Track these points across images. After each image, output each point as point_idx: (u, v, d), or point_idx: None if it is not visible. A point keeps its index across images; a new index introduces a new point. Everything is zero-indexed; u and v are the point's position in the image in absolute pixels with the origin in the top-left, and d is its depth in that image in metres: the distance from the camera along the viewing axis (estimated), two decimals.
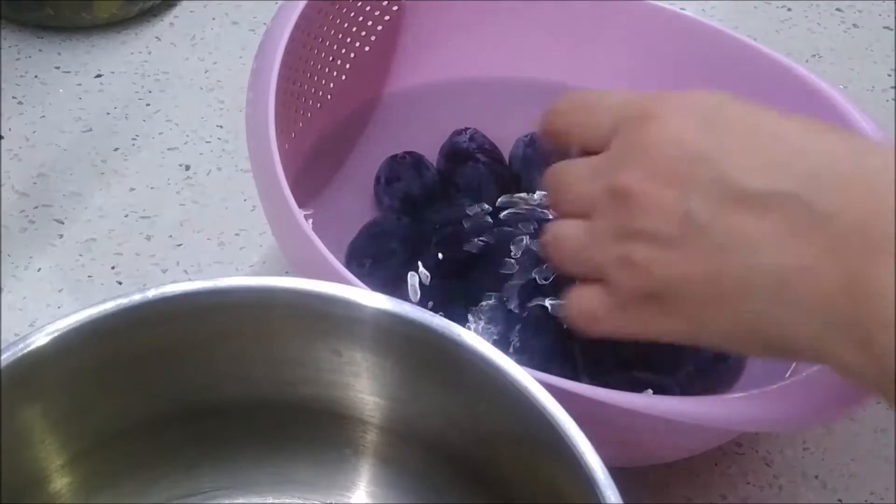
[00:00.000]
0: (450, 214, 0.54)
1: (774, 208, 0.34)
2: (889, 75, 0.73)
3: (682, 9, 0.59)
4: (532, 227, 0.54)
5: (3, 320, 0.52)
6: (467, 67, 0.60)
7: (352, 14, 0.55)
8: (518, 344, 0.50)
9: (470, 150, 0.56)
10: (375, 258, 0.52)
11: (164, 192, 0.59)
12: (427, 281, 0.50)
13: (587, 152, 0.40)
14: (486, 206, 0.54)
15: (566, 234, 0.40)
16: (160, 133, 0.61)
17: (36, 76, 0.64)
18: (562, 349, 0.51)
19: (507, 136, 0.58)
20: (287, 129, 0.50)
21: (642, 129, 0.37)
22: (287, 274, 0.53)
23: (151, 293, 0.38)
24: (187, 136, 0.61)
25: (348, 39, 0.56)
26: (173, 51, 0.66)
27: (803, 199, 0.33)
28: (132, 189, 0.59)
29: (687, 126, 0.36)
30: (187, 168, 0.60)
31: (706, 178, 0.35)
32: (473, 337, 0.37)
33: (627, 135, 0.38)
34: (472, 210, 0.54)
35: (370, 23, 0.57)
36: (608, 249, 0.38)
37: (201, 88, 0.64)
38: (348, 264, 0.52)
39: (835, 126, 0.36)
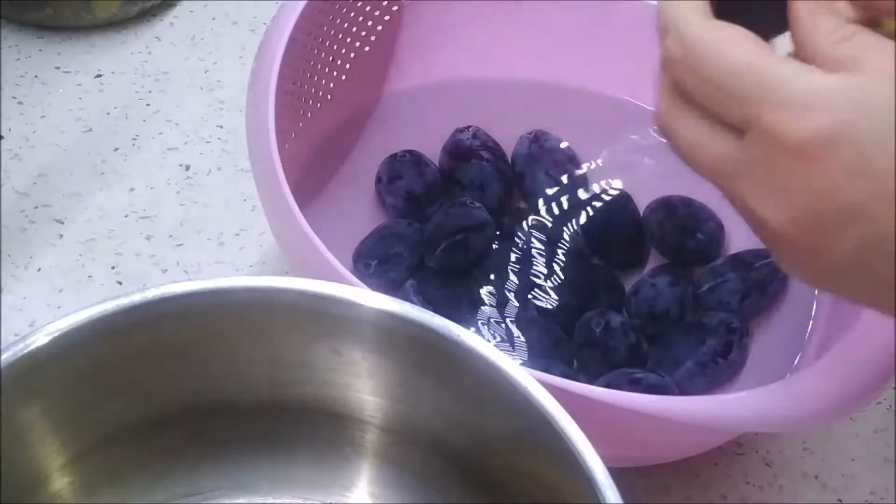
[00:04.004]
0: (454, 219, 0.53)
1: None
2: None
3: None
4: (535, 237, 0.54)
5: (3, 320, 0.52)
6: (467, 67, 0.60)
7: (352, 14, 0.55)
8: (518, 344, 0.50)
9: (473, 147, 0.56)
10: (381, 260, 0.52)
11: (164, 192, 0.59)
12: (420, 301, 0.50)
13: None
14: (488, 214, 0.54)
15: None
16: (160, 133, 0.61)
17: (36, 76, 0.64)
18: (561, 349, 0.51)
19: (506, 136, 0.58)
20: (287, 129, 0.50)
21: (786, 167, 0.31)
22: (287, 274, 0.53)
23: (151, 293, 0.38)
24: (187, 136, 0.61)
25: (348, 39, 0.56)
26: (173, 51, 0.66)
27: None
28: (132, 189, 0.59)
29: (838, 170, 0.30)
30: (187, 168, 0.60)
31: (862, 237, 0.31)
32: (473, 337, 0.37)
33: (767, 158, 0.32)
34: (475, 217, 0.54)
35: (370, 23, 0.57)
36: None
37: (201, 88, 0.64)
38: (355, 264, 0.52)
39: None
